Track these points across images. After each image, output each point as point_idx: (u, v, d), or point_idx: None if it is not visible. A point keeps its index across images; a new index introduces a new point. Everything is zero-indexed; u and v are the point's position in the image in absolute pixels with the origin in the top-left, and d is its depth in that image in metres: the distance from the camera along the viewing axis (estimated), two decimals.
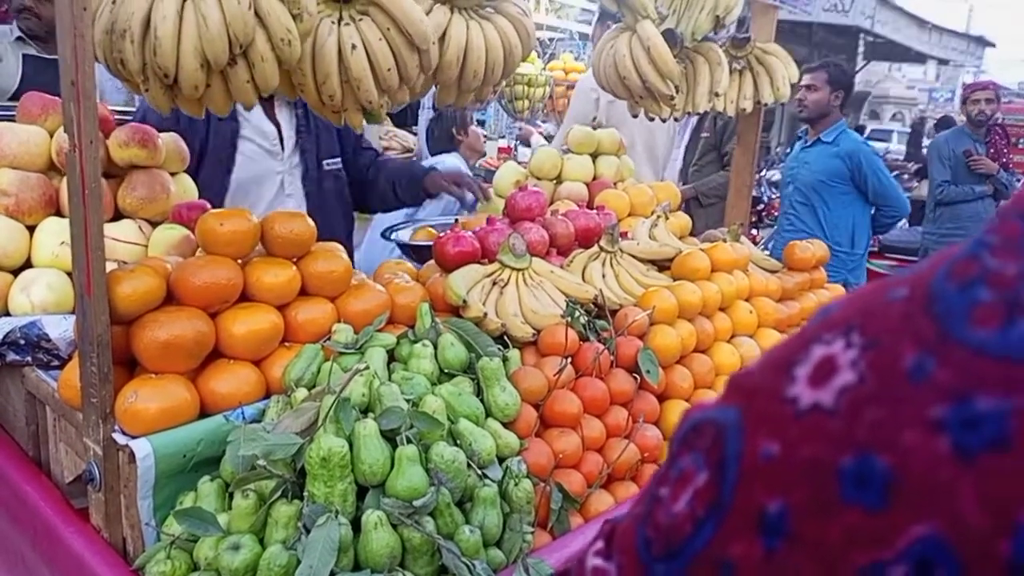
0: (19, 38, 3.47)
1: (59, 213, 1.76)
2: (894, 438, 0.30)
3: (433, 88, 1.78)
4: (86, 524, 1.40)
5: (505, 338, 1.70)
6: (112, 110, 2.09)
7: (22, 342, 1.49)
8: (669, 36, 2.18)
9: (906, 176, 10.44)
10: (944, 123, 10.19)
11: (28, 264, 1.71)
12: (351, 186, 2.63)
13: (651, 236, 2.20)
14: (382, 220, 2.98)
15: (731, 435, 0.37)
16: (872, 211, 4.15)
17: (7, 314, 1.62)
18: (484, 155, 4.49)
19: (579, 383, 1.64)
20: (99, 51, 1.36)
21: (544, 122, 7.08)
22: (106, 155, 1.80)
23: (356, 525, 1.22)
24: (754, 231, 5.75)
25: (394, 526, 1.21)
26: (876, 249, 6.32)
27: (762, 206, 6.19)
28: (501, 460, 1.44)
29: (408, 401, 1.38)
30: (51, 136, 1.81)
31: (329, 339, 1.52)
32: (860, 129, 12.86)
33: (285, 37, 1.36)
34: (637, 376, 1.72)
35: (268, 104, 2.43)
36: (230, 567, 1.15)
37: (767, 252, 2.57)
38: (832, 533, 0.31)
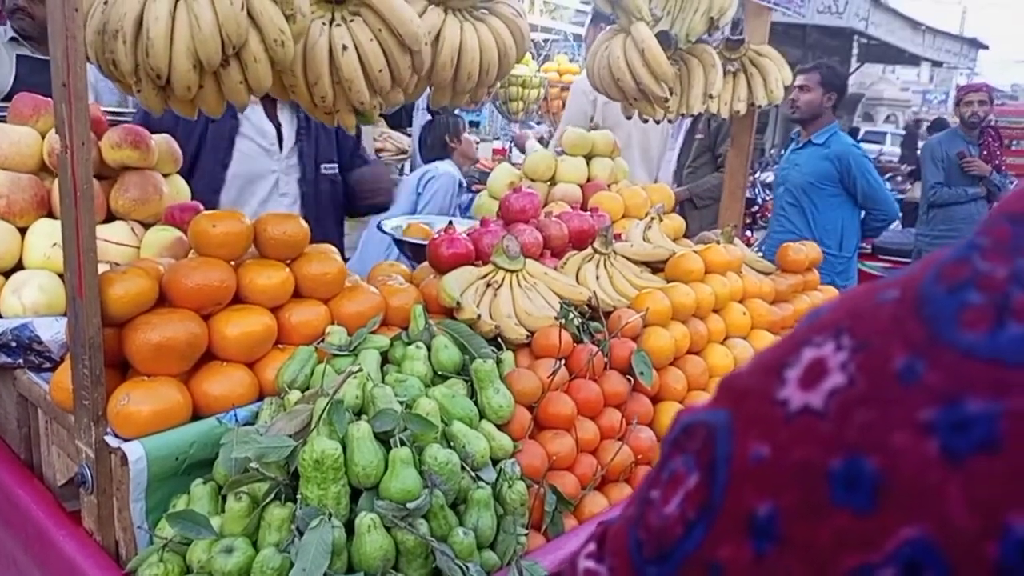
0: (12, 39, 3.46)
1: (51, 215, 1.76)
2: (883, 440, 0.30)
3: (428, 90, 1.78)
4: (78, 527, 1.40)
5: (499, 340, 1.70)
6: (105, 111, 2.09)
7: (13, 344, 1.48)
8: (663, 38, 2.19)
9: (899, 178, 10.49)
10: (937, 125, 10.24)
11: (20, 266, 1.70)
12: (345, 192, 2.64)
13: (645, 238, 2.20)
14: (380, 219, 2.99)
15: (721, 437, 0.37)
16: (862, 214, 4.16)
17: None
18: (477, 162, 4.51)
19: (573, 385, 1.64)
20: (91, 52, 1.35)
21: (539, 123, 7.09)
22: (98, 156, 1.80)
23: (349, 527, 1.21)
24: (748, 233, 5.76)
25: (388, 528, 1.21)
26: (869, 251, 6.35)
27: (756, 208, 6.20)
28: (495, 462, 1.44)
29: (402, 403, 1.38)
30: (43, 137, 1.80)
31: (322, 341, 1.52)
32: (854, 131, 12.92)
33: (278, 38, 1.36)
34: (631, 378, 1.72)
35: (270, 105, 2.44)
36: (223, 570, 1.15)
37: (760, 254, 2.58)
38: (821, 536, 0.31)
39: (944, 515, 0.28)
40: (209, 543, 1.20)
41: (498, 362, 1.60)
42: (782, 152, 6.11)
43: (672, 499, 0.38)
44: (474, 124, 6.56)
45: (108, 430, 1.31)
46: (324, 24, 1.51)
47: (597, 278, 1.97)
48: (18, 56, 3.44)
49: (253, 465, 1.22)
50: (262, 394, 1.47)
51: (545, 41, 8.32)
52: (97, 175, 1.75)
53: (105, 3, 1.33)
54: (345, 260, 1.89)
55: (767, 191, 6.43)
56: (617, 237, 2.17)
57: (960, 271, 0.32)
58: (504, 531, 1.37)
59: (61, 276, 1.61)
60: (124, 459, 1.27)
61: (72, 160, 1.19)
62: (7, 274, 1.67)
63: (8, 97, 2.06)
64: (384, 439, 1.29)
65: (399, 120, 5.91)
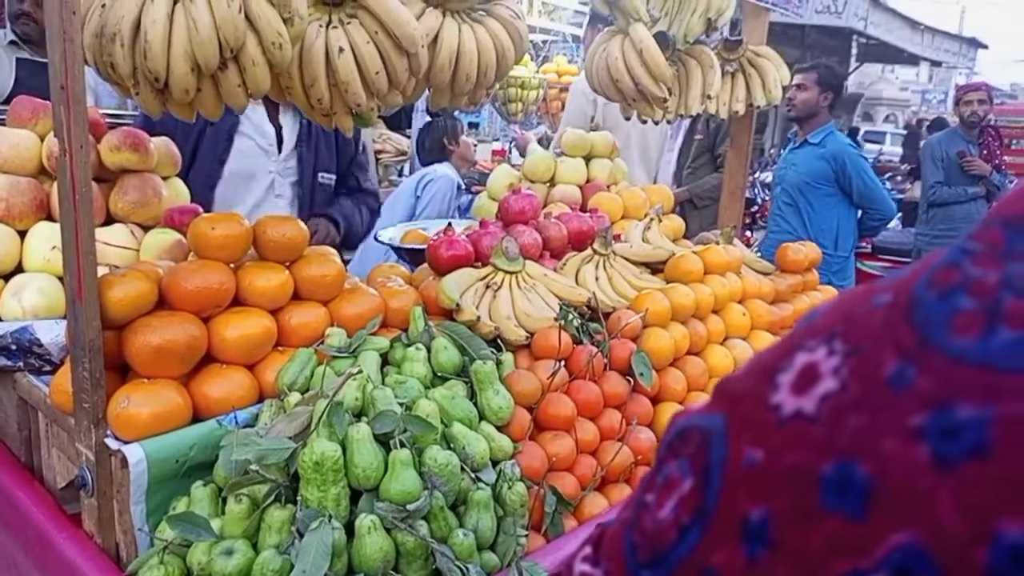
0: (12, 42, 3.47)
1: (50, 218, 1.76)
2: (874, 446, 0.30)
3: (427, 91, 1.79)
4: (79, 530, 1.40)
5: (498, 341, 1.70)
6: (104, 114, 2.09)
7: (13, 347, 1.49)
8: (661, 39, 2.19)
9: (899, 178, 10.48)
10: (937, 125, 10.23)
11: (19, 269, 1.70)
12: None
13: (644, 239, 2.20)
14: (377, 230, 2.98)
15: (715, 442, 0.37)
16: (859, 214, 4.17)
17: None
18: (475, 164, 4.51)
19: (572, 386, 1.65)
20: (89, 55, 1.35)
21: (539, 124, 7.09)
22: (97, 159, 1.80)
23: (349, 529, 1.22)
24: (748, 233, 5.76)
25: (388, 530, 1.21)
26: (869, 250, 6.34)
27: (756, 208, 6.20)
28: (495, 463, 1.44)
29: (401, 405, 1.38)
30: (42, 140, 1.80)
31: (322, 343, 1.52)
32: (854, 131, 12.91)
33: (276, 41, 1.36)
34: (630, 379, 1.72)
35: (272, 107, 2.45)
36: (223, 572, 1.15)
37: (759, 254, 2.58)
38: (813, 541, 0.31)
39: (935, 521, 0.28)
40: (209, 545, 1.20)
41: (498, 363, 1.60)
42: (781, 152, 6.11)
43: (667, 503, 0.39)
44: (473, 125, 6.56)
45: (108, 433, 1.31)
46: (321, 26, 1.52)
47: (596, 279, 1.97)
48: (18, 59, 3.45)
49: (253, 467, 1.22)
50: (262, 396, 1.47)
51: (544, 42, 8.32)
52: (96, 178, 1.75)
53: (103, 6, 1.33)
54: (345, 263, 1.89)
55: (767, 191, 6.43)
56: (616, 238, 2.17)
57: (951, 276, 0.32)
58: (504, 532, 1.37)
59: (61, 279, 1.61)
60: (124, 461, 1.27)
61: (71, 163, 1.19)
62: (7, 277, 1.67)
63: (8, 100, 2.07)
64: (384, 441, 1.29)
65: (398, 122, 5.91)
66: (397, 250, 2.45)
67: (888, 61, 16.69)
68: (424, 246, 1.99)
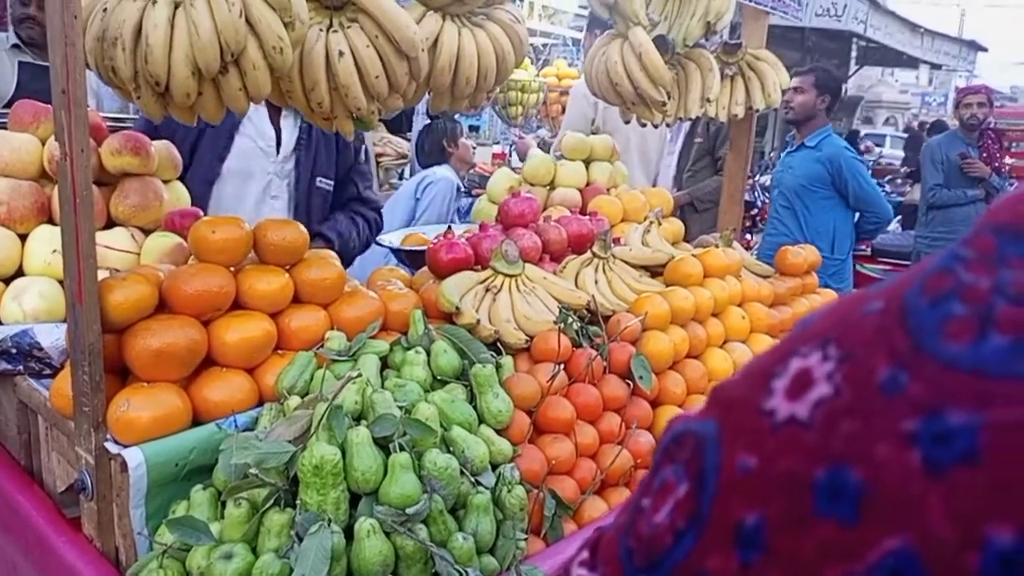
0: (15, 45, 3.48)
1: (51, 221, 1.76)
2: (867, 451, 0.31)
3: (427, 95, 1.79)
4: (78, 533, 1.40)
5: (498, 344, 1.70)
6: (106, 117, 2.09)
7: (14, 351, 1.49)
8: (660, 42, 2.19)
9: (899, 180, 10.48)
10: (937, 127, 10.24)
11: (20, 272, 1.71)
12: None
13: (644, 242, 2.20)
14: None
15: (710, 447, 0.37)
16: (856, 217, 4.18)
17: None
18: (474, 167, 4.51)
19: (572, 389, 1.65)
20: (91, 59, 1.36)
21: (539, 127, 7.10)
22: (98, 163, 1.80)
23: (349, 533, 1.22)
24: (748, 236, 5.76)
25: (387, 534, 1.21)
26: (868, 253, 6.34)
27: (756, 211, 6.19)
28: (494, 467, 1.44)
29: (401, 408, 1.38)
30: (43, 144, 1.80)
31: (322, 346, 1.52)
32: (854, 134, 12.90)
33: (277, 45, 1.36)
34: (630, 382, 1.73)
35: (274, 109, 2.45)
36: None
37: (756, 256, 2.59)
38: (806, 547, 0.31)
39: (926, 526, 0.28)
40: (208, 549, 1.20)
41: (497, 367, 1.60)
42: (781, 155, 6.11)
43: (662, 508, 0.39)
44: (474, 129, 6.57)
45: (108, 436, 1.31)
46: (321, 30, 1.52)
47: (596, 282, 1.97)
48: (20, 63, 3.46)
49: (252, 471, 1.22)
50: (262, 400, 1.47)
51: (544, 46, 8.33)
52: (97, 181, 1.75)
53: (104, 10, 1.33)
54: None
55: (766, 194, 6.43)
56: (616, 241, 2.17)
57: (944, 282, 0.33)
58: (503, 536, 1.37)
59: (61, 282, 1.62)
60: (124, 465, 1.28)
61: (71, 167, 1.19)
62: (7, 281, 1.67)
63: (10, 104, 2.07)
64: (383, 444, 1.30)
65: (399, 125, 5.92)
66: (397, 253, 2.46)
67: (888, 64, 16.70)
68: (424, 249, 1.99)
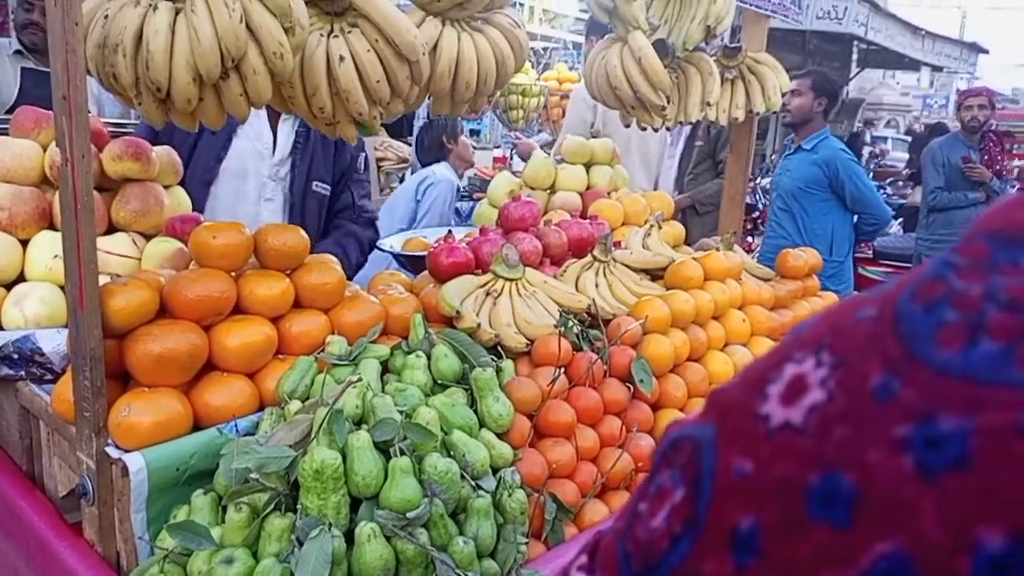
0: (17, 51, 3.50)
1: (52, 227, 1.77)
2: (859, 456, 0.31)
3: (428, 99, 1.79)
4: (79, 538, 1.40)
5: (498, 348, 1.70)
6: (108, 123, 2.10)
7: (15, 356, 1.49)
8: (660, 46, 2.20)
9: (900, 183, 10.48)
10: (938, 130, 10.23)
11: (21, 278, 1.71)
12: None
13: (644, 245, 2.21)
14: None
15: (706, 452, 0.37)
16: (855, 219, 4.20)
17: (0, 328, 1.62)
18: (472, 165, 4.50)
19: (573, 393, 1.65)
20: (92, 65, 1.36)
21: (540, 131, 7.11)
22: (99, 168, 1.81)
23: (349, 537, 1.22)
24: (749, 239, 5.76)
25: (388, 538, 1.21)
26: (870, 256, 6.34)
27: (757, 214, 6.20)
28: (495, 471, 1.44)
29: (401, 412, 1.38)
30: (44, 150, 1.81)
31: (323, 351, 1.52)
32: (855, 136, 12.89)
33: (277, 51, 1.37)
34: (630, 385, 1.73)
35: (274, 114, 2.46)
36: None
37: (756, 258, 2.59)
38: (801, 551, 0.31)
39: (918, 531, 0.29)
40: (209, 554, 1.20)
41: (498, 371, 1.60)
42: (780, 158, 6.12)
43: (659, 513, 0.39)
44: (475, 133, 6.57)
45: (109, 441, 1.32)
46: (322, 35, 1.53)
47: (596, 286, 1.97)
48: (22, 69, 3.47)
49: (253, 475, 1.23)
50: (262, 404, 1.47)
51: (545, 49, 8.34)
52: (98, 187, 1.76)
53: (105, 17, 1.34)
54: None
55: (767, 197, 6.43)
56: (616, 245, 2.17)
57: (936, 289, 0.33)
58: (504, 540, 1.37)
59: (62, 288, 1.62)
60: (125, 470, 1.28)
61: (72, 172, 1.20)
62: (9, 286, 1.68)
63: (12, 109, 2.08)
64: (384, 448, 1.30)
65: (400, 129, 5.92)
66: (398, 257, 2.46)
67: (889, 66, 16.70)
68: (425, 253, 2.00)
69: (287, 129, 2.50)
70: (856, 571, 0.30)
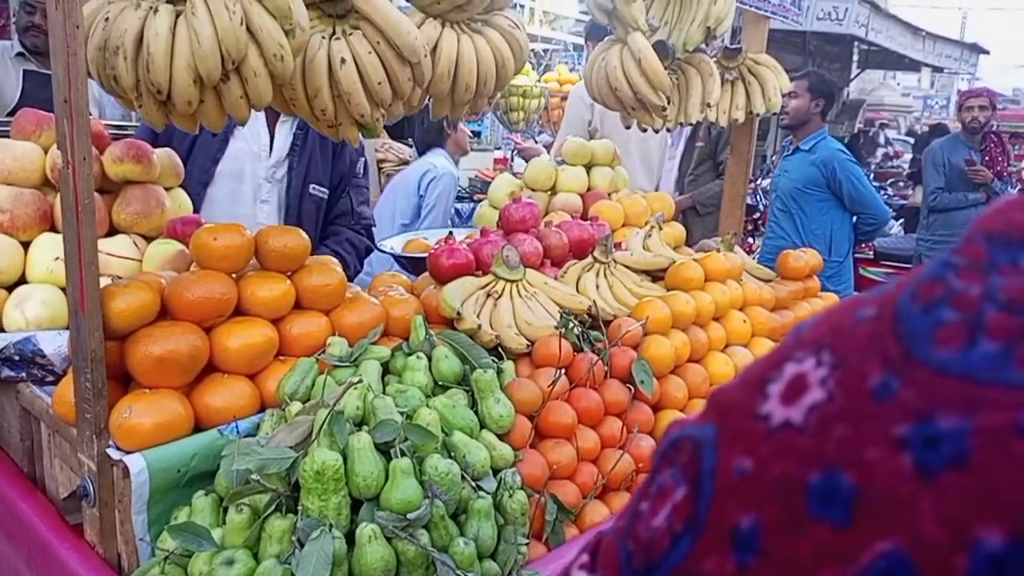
0: (19, 54, 3.50)
1: (54, 229, 1.77)
2: (859, 455, 0.31)
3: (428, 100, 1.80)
4: (81, 540, 1.40)
5: (499, 350, 1.70)
6: (108, 125, 2.10)
7: (16, 358, 1.49)
8: (660, 48, 2.20)
9: (901, 183, 10.48)
10: (937, 131, 10.23)
11: (23, 280, 1.71)
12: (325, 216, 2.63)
13: (645, 246, 2.21)
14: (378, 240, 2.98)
15: (707, 451, 0.38)
16: (854, 219, 4.21)
17: (1, 330, 1.62)
18: (467, 152, 4.47)
19: (573, 394, 1.65)
20: (93, 67, 1.37)
21: (540, 132, 7.11)
22: (100, 171, 1.81)
23: (350, 539, 1.22)
24: (749, 240, 5.77)
25: (388, 539, 1.21)
26: (871, 256, 6.34)
27: (757, 215, 6.20)
28: (495, 472, 1.44)
29: (402, 414, 1.38)
30: (45, 152, 1.81)
31: (323, 352, 1.53)
32: (856, 137, 12.90)
33: (278, 52, 1.37)
34: (631, 386, 1.73)
35: (272, 116, 2.45)
36: None
37: (756, 259, 2.59)
38: (801, 549, 0.32)
39: (917, 529, 0.29)
40: (210, 555, 1.20)
41: (498, 372, 1.61)
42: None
43: (660, 511, 0.39)
44: (476, 134, 6.57)
45: (110, 443, 1.32)
46: (324, 38, 1.53)
47: (597, 287, 1.97)
48: (24, 71, 3.48)
49: (254, 477, 1.23)
50: (263, 406, 1.47)
51: (545, 51, 8.35)
52: (99, 189, 1.77)
53: (106, 20, 1.34)
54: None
55: (768, 198, 6.44)
56: (617, 246, 2.17)
57: (935, 289, 0.33)
58: (505, 541, 1.37)
59: (63, 290, 1.63)
60: (126, 471, 1.28)
61: (73, 175, 1.20)
62: (10, 288, 1.68)
63: (15, 111, 2.09)
64: (385, 450, 1.30)
65: (400, 131, 5.92)
66: (398, 259, 2.46)
67: (890, 67, 16.71)
68: (425, 255, 2.00)
69: (285, 131, 2.49)
70: (856, 569, 0.30)
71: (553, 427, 1.58)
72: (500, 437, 1.51)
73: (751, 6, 2.48)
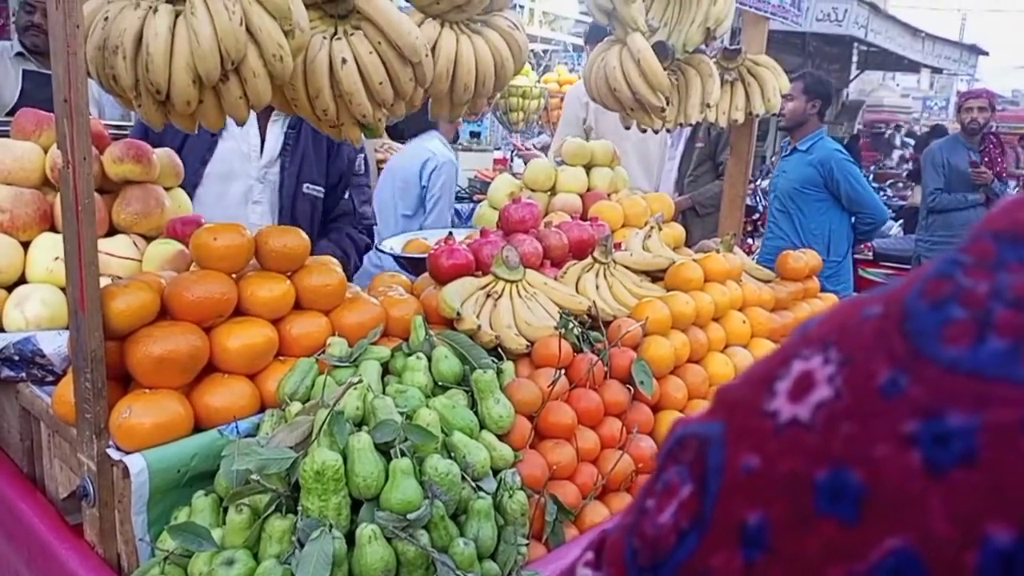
0: (19, 53, 3.50)
1: (53, 229, 1.77)
2: (867, 452, 0.31)
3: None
4: (80, 540, 1.40)
5: (499, 350, 1.70)
6: (108, 125, 2.10)
7: (16, 358, 1.49)
8: (660, 48, 2.20)
9: (900, 184, 10.49)
10: (937, 132, 10.25)
11: (22, 280, 1.71)
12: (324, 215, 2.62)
13: (644, 247, 2.21)
14: (377, 240, 2.97)
15: (714, 449, 0.38)
16: (852, 219, 4.23)
17: (1, 330, 1.62)
18: (458, 137, 4.42)
19: (573, 394, 1.65)
20: (92, 67, 1.36)
21: (540, 133, 7.12)
22: (100, 171, 1.81)
23: (350, 539, 1.22)
24: (749, 240, 5.77)
25: (388, 539, 1.21)
26: (870, 257, 6.35)
27: (757, 215, 6.21)
28: (495, 472, 1.44)
29: (402, 414, 1.38)
30: (45, 152, 1.81)
31: (323, 352, 1.52)
32: (855, 138, 12.91)
33: (277, 53, 1.37)
34: (631, 387, 1.73)
35: (263, 116, 2.44)
36: None
37: (755, 259, 2.59)
38: (809, 546, 0.32)
39: (926, 526, 0.29)
40: (210, 555, 1.20)
41: (498, 372, 1.60)
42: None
43: (666, 508, 0.39)
44: (475, 135, 6.58)
45: (110, 443, 1.32)
46: (325, 38, 1.53)
47: (597, 288, 1.97)
48: (24, 71, 3.48)
49: (254, 477, 1.22)
50: (263, 406, 1.47)
51: (545, 52, 8.36)
52: (99, 189, 1.76)
53: (105, 19, 1.34)
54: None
55: (767, 199, 6.44)
56: (617, 246, 2.17)
57: (943, 287, 0.33)
58: (505, 541, 1.37)
59: (63, 290, 1.62)
60: (126, 472, 1.28)
61: (73, 175, 1.20)
62: (10, 288, 1.68)
63: (14, 111, 2.08)
64: (385, 450, 1.30)
65: (400, 132, 5.92)
66: (398, 259, 2.46)
67: (889, 68, 16.74)
68: (425, 255, 2.00)
69: (276, 131, 2.47)
70: (865, 566, 0.30)
71: (553, 427, 1.58)
72: (500, 437, 1.51)
73: (751, 7, 2.48)
